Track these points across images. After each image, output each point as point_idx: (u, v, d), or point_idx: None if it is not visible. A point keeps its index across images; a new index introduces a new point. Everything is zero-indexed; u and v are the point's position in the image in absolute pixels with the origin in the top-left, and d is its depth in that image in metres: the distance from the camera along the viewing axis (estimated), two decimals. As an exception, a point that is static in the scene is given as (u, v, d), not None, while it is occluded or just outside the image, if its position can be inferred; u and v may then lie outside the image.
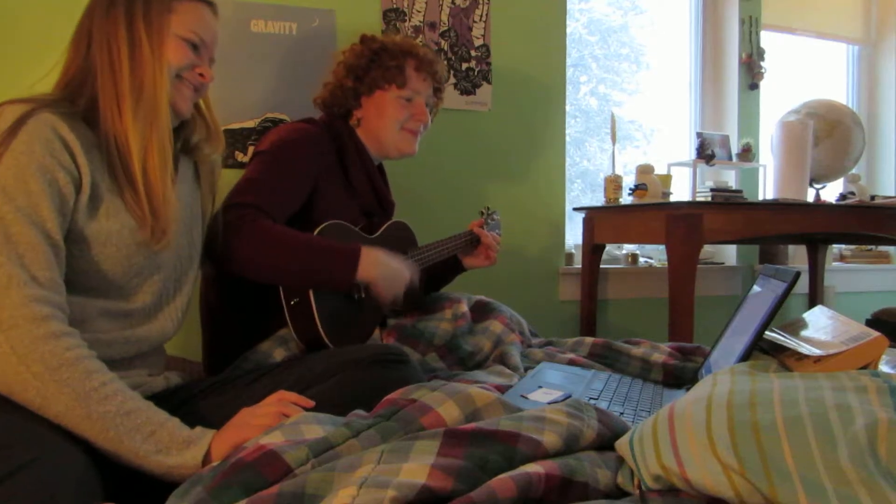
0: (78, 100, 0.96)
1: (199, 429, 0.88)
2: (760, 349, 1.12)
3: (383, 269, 1.24)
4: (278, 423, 0.85)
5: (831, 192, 2.59)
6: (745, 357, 1.05)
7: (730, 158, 2.52)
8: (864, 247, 3.07)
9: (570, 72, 2.40)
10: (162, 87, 0.98)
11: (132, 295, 0.99)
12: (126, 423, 0.82)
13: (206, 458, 0.84)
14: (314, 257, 1.19)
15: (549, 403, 0.95)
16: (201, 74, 1.06)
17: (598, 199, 2.53)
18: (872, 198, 2.38)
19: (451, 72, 2.17)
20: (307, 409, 0.91)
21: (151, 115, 0.96)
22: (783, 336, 1.11)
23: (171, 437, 0.84)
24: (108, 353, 0.93)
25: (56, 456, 0.75)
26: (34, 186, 0.85)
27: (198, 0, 1.05)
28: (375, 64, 1.48)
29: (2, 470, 0.70)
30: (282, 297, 1.23)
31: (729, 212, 2.01)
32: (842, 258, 3.11)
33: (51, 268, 0.85)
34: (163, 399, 0.99)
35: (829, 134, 2.41)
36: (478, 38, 2.20)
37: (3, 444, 0.74)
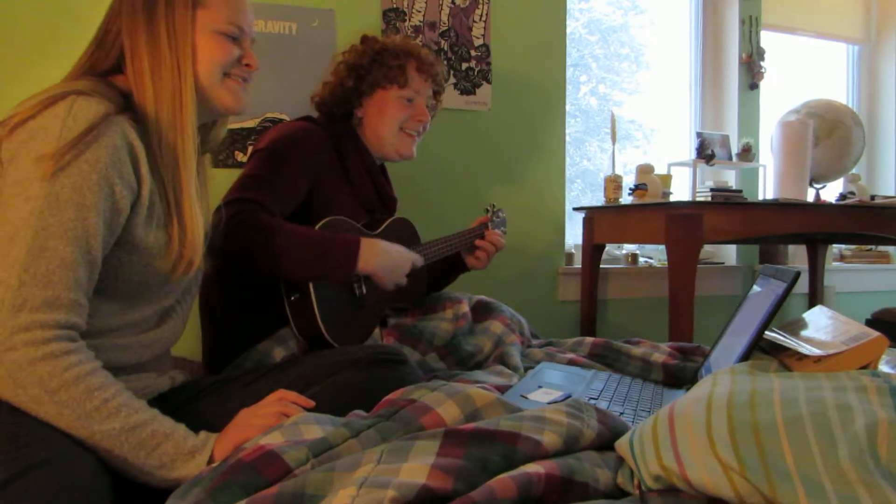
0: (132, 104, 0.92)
1: (202, 434, 0.87)
2: (760, 349, 1.12)
3: (384, 258, 1.24)
4: (278, 422, 0.85)
5: (831, 192, 2.59)
6: (745, 357, 1.05)
7: (730, 158, 2.52)
8: (864, 247, 3.07)
9: (570, 72, 2.40)
10: (189, 102, 0.93)
11: (155, 302, 0.99)
12: (131, 439, 0.81)
13: (210, 462, 0.84)
14: (314, 249, 1.19)
15: (549, 403, 0.95)
16: (247, 65, 1.01)
17: (598, 199, 2.53)
18: (872, 198, 2.38)
19: (451, 72, 2.17)
20: (307, 409, 0.91)
21: (180, 135, 0.92)
22: (783, 336, 1.11)
23: (177, 449, 0.83)
24: (123, 357, 0.93)
25: (66, 458, 0.75)
26: (89, 199, 0.82)
27: None
28: (377, 64, 1.49)
29: (11, 470, 0.70)
30: (283, 292, 1.23)
31: (729, 212, 2.00)
32: (842, 258, 3.11)
33: (78, 288, 0.82)
34: (167, 397, 1.00)
35: (829, 134, 2.41)
36: (478, 38, 2.20)
37: (14, 445, 0.74)
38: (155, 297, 0.98)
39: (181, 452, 0.83)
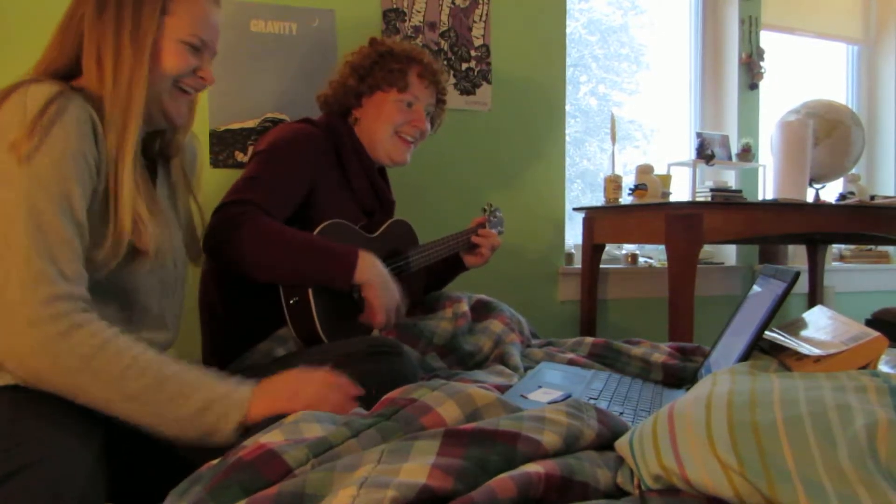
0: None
1: (233, 381, 0.88)
2: (760, 349, 1.12)
3: (380, 272, 1.24)
4: (328, 410, 0.86)
5: (831, 192, 2.59)
6: (745, 357, 1.05)
7: (730, 158, 2.52)
8: (864, 247, 3.07)
9: (570, 72, 2.40)
10: (138, 101, 0.94)
11: (136, 303, 0.99)
12: (166, 389, 0.83)
13: (245, 420, 0.86)
14: (312, 257, 1.19)
15: (549, 403, 0.95)
16: (202, 77, 1.02)
17: (598, 199, 2.53)
18: (872, 198, 2.38)
19: (451, 72, 2.17)
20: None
21: (122, 131, 0.92)
22: (783, 336, 1.11)
23: (210, 395, 0.85)
24: None
25: (61, 457, 0.75)
26: (68, 171, 0.84)
27: None
28: (379, 66, 1.49)
29: (6, 469, 0.70)
30: (281, 296, 1.23)
31: (729, 212, 2.01)
32: (842, 258, 3.11)
33: (77, 259, 0.85)
34: None
35: (828, 134, 2.41)
36: (478, 38, 2.20)
37: (9, 444, 0.74)
38: (134, 297, 0.98)
39: (216, 398, 0.85)
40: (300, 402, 0.87)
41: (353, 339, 1.14)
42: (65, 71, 0.95)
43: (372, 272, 1.22)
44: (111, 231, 0.92)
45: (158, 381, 0.83)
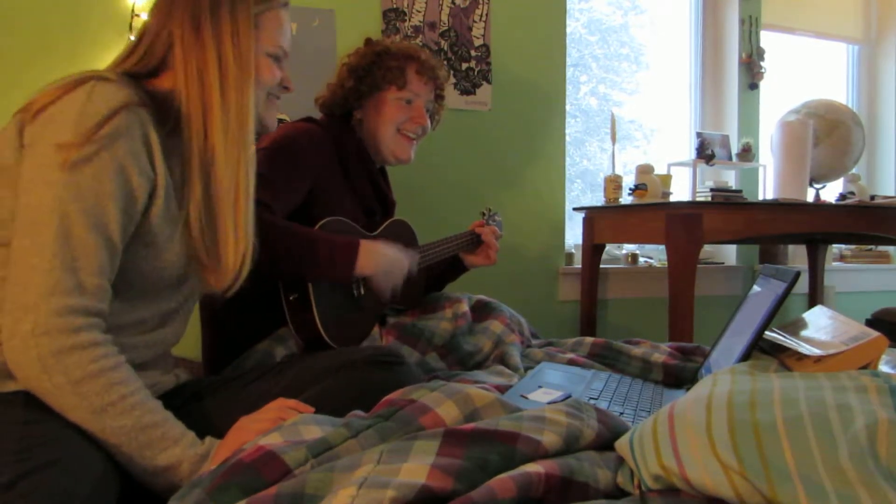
0: (162, 107, 0.93)
1: (208, 441, 0.87)
2: (760, 349, 1.11)
3: (382, 261, 1.25)
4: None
5: (831, 192, 2.59)
6: (746, 357, 1.05)
7: (730, 158, 2.52)
8: (864, 247, 3.07)
9: (570, 72, 2.40)
10: (252, 113, 0.96)
11: (162, 302, 0.99)
12: (140, 437, 0.82)
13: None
14: (313, 250, 1.20)
15: (548, 403, 0.95)
16: (286, 87, 1.06)
17: (598, 199, 2.53)
18: (872, 198, 2.38)
19: (451, 72, 2.16)
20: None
21: (240, 144, 0.94)
22: (783, 336, 1.11)
23: (182, 455, 0.84)
24: (129, 357, 0.93)
25: (74, 459, 0.75)
26: (107, 186, 0.83)
27: (280, 7, 1.02)
28: (377, 65, 1.49)
29: (19, 470, 0.71)
30: (281, 293, 1.23)
31: (729, 212, 2.00)
32: (842, 258, 3.11)
33: (101, 274, 0.83)
34: (170, 396, 1.00)
35: (829, 134, 2.41)
36: (478, 38, 2.20)
37: (21, 447, 0.74)
38: (163, 297, 0.98)
39: (185, 459, 0.84)
40: (251, 436, 0.85)
41: (356, 348, 1.15)
42: (141, 74, 0.95)
43: (373, 264, 1.23)
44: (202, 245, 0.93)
45: (136, 428, 0.82)
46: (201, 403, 1.03)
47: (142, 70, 0.95)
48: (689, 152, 2.72)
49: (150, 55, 0.95)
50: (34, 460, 0.72)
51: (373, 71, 1.49)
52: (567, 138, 2.38)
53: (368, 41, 1.55)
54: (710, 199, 2.20)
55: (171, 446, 0.84)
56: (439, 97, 1.59)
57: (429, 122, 1.55)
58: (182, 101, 0.93)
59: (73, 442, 0.78)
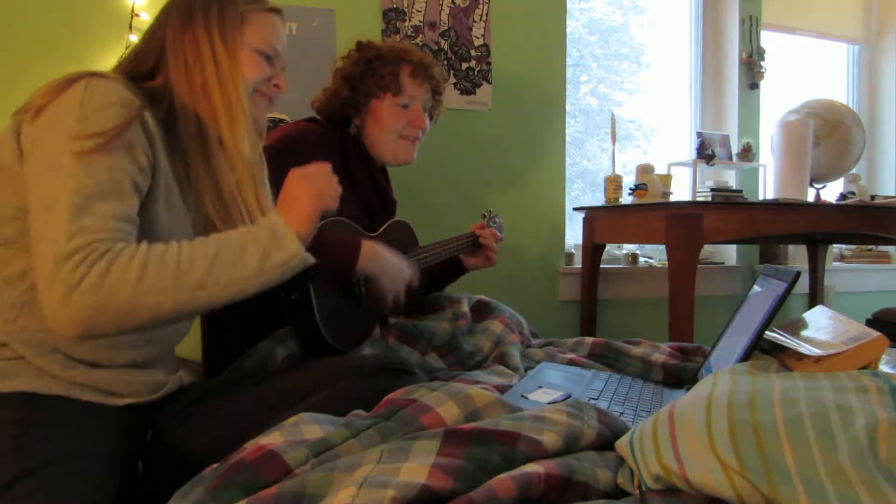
0: (158, 103, 0.95)
1: (274, 223, 0.90)
2: (761, 349, 1.11)
3: (383, 262, 1.24)
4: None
5: (831, 192, 2.59)
6: (746, 357, 1.05)
7: (730, 158, 2.52)
8: (864, 247, 3.08)
9: (570, 72, 2.40)
10: (244, 101, 0.98)
11: None
12: (221, 263, 0.84)
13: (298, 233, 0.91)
14: (315, 248, 1.19)
15: (549, 403, 0.95)
16: (276, 85, 1.06)
17: (598, 199, 2.53)
18: (872, 198, 2.38)
19: (451, 72, 2.16)
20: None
21: (237, 135, 0.97)
22: (783, 336, 1.11)
23: (258, 242, 0.87)
24: (131, 356, 0.92)
25: (72, 457, 0.75)
26: (119, 163, 0.84)
27: (268, 10, 1.04)
28: (369, 73, 1.48)
29: (15, 471, 0.71)
30: (281, 292, 1.23)
31: (729, 212, 2.00)
32: (842, 258, 3.11)
33: (118, 220, 0.84)
34: (173, 397, 1.00)
35: (829, 134, 2.41)
36: (478, 38, 2.20)
37: (18, 447, 0.74)
38: None
39: (263, 240, 0.87)
40: (308, 206, 0.94)
41: (362, 356, 1.15)
42: (138, 77, 0.97)
43: (375, 263, 1.23)
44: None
45: (210, 259, 0.83)
46: (206, 405, 1.03)
47: (137, 73, 0.97)
48: (689, 152, 2.72)
49: (145, 58, 0.98)
50: (31, 461, 0.72)
51: (366, 79, 1.48)
52: (567, 138, 2.38)
53: (360, 45, 1.53)
54: (710, 199, 2.20)
55: (245, 244, 0.86)
56: (436, 95, 1.58)
57: (428, 122, 1.55)
58: (177, 96, 0.95)
59: (70, 444, 0.78)
